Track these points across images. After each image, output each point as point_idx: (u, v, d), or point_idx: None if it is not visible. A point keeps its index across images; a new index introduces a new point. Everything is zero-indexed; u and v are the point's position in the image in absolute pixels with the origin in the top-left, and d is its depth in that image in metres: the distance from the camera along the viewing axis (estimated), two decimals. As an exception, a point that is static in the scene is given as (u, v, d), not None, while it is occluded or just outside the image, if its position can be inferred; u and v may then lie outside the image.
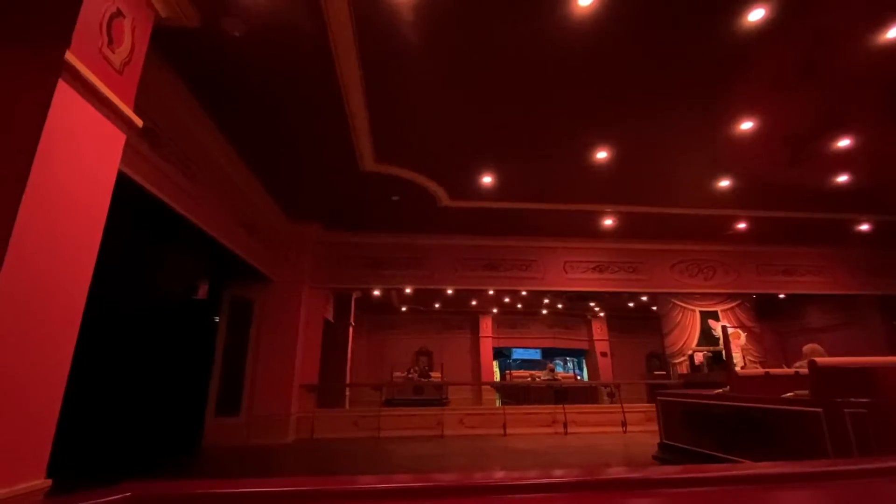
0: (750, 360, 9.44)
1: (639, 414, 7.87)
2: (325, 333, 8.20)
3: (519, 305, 14.14)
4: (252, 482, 1.06)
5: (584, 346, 15.60)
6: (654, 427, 5.55)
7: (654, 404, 5.84)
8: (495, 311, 15.02)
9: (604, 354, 14.83)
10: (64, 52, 2.17)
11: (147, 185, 3.75)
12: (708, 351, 9.67)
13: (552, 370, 10.80)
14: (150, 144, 3.82)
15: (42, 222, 2.11)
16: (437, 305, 14.01)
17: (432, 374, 13.48)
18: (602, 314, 15.09)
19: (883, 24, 3.53)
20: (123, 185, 3.19)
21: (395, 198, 6.62)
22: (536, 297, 12.57)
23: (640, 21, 3.48)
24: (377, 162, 5.64)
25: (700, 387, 5.78)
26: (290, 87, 4.22)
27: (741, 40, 3.65)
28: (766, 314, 11.27)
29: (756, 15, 3.41)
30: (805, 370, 3.47)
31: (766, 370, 4.55)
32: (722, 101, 4.49)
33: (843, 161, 5.63)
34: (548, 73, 4.05)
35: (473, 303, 13.89)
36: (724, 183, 6.26)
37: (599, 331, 15.20)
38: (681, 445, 4.71)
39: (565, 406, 7.81)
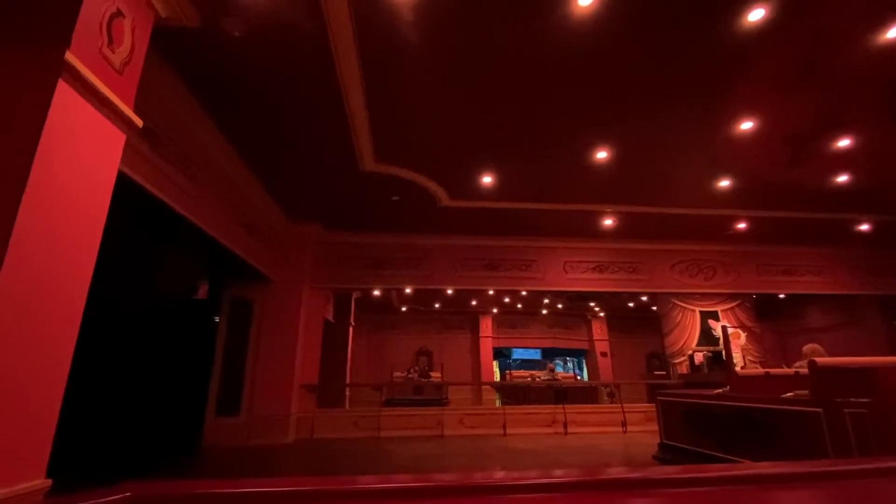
0: (750, 360, 9.44)
1: (639, 414, 7.87)
2: (326, 333, 8.20)
3: (519, 305, 14.14)
4: (252, 482, 1.06)
5: (584, 346, 15.60)
6: (654, 427, 5.55)
7: (654, 404, 5.84)
8: (495, 311, 15.02)
9: (604, 354, 14.82)
10: (64, 52, 2.17)
11: (147, 185, 3.75)
12: (708, 351, 9.67)
13: (552, 370, 10.80)
14: (150, 144, 3.82)
15: (42, 222, 2.11)
16: (437, 305, 14.01)
17: (432, 374, 13.48)
18: (602, 314, 15.09)
19: (883, 24, 3.53)
20: (123, 185, 3.19)
21: (395, 198, 6.62)
22: (536, 297, 12.57)
23: (640, 21, 3.48)
24: (377, 162, 5.64)
25: (700, 387, 5.78)
26: (290, 87, 4.22)
27: (741, 40, 3.65)
28: (766, 314, 11.28)
29: (756, 15, 3.41)
30: (805, 370, 3.47)
31: (767, 370, 4.55)
32: (722, 101, 4.49)
33: (843, 161, 5.63)
34: (548, 73, 4.05)
35: (473, 303, 13.89)
36: (725, 183, 6.26)
37: (599, 331, 15.20)
38: (681, 445, 4.71)
39: (565, 406, 7.81)
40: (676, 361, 9.93)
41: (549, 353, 15.99)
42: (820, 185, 6.29)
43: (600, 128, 4.98)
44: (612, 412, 7.93)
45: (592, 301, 13.67)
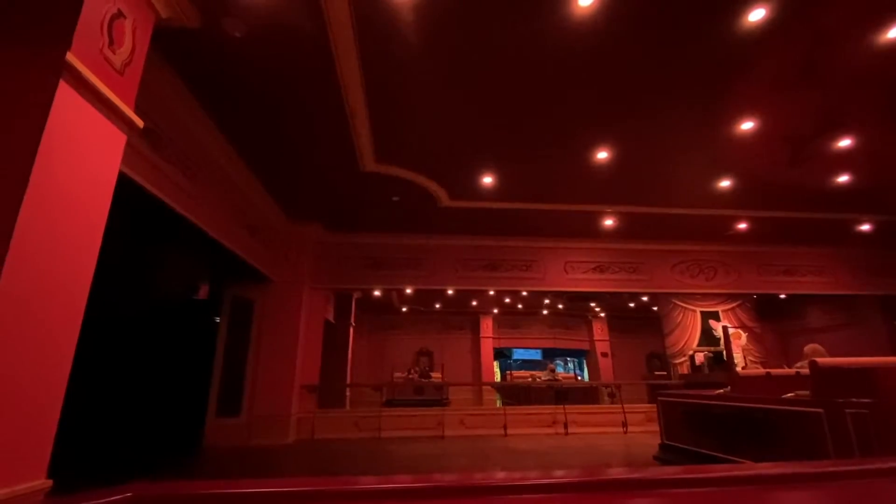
0: (751, 361, 9.43)
1: (639, 414, 7.87)
2: (326, 334, 8.21)
3: (519, 306, 14.13)
4: (253, 483, 1.06)
5: (585, 346, 15.59)
6: (655, 427, 5.54)
7: (654, 405, 5.84)
8: (496, 311, 15.02)
9: (604, 355, 14.81)
10: (65, 53, 2.17)
11: (147, 186, 3.76)
12: (709, 351, 9.65)
13: (553, 370, 10.79)
14: (150, 145, 3.83)
15: (43, 223, 2.11)
16: (437, 306, 14.00)
17: (433, 374, 13.47)
18: (603, 314, 15.08)
19: (883, 24, 3.53)
20: (124, 186, 3.20)
21: (395, 198, 6.63)
22: (537, 297, 12.56)
23: (641, 21, 3.48)
24: (377, 162, 5.65)
25: (701, 387, 5.77)
26: (290, 87, 4.23)
27: (741, 40, 3.65)
28: (767, 314, 11.26)
29: (756, 15, 3.41)
30: (806, 370, 3.46)
31: (767, 370, 4.54)
32: (722, 101, 4.49)
33: (843, 161, 5.62)
34: (548, 73, 4.05)
35: (474, 303, 13.89)
36: (725, 183, 6.26)
37: (600, 331, 15.19)
38: (682, 446, 4.70)
39: (566, 406, 7.80)
40: (677, 362, 9.91)
41: (550, 354, 15.98)
42: (820, 185, 6.29)
43: (601, 128, 4.98)
44: (612, 412, 7.93)
45: (593, 301, 13.66)
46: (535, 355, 16.34)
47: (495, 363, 15.19)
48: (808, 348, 4.66)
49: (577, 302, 13.52)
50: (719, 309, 9.85)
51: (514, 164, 5.81)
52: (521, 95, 4.38)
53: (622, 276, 8.63)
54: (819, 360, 3.32)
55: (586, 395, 9.47)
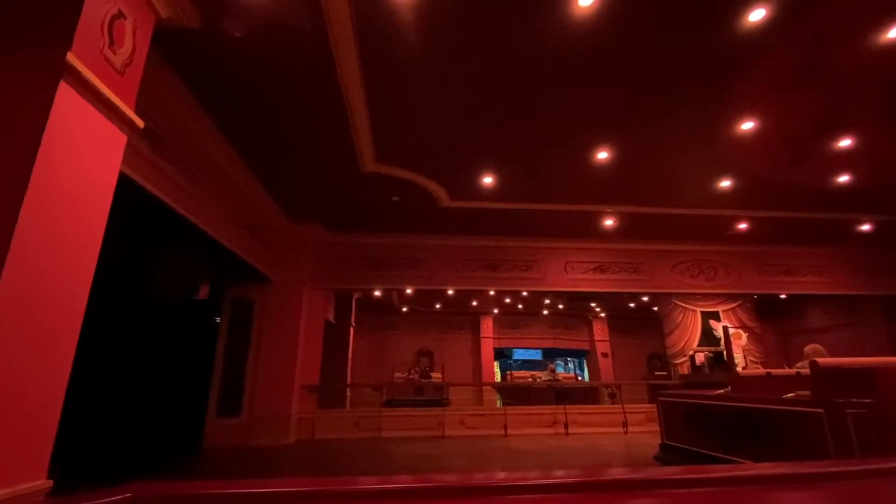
0: (751, 361, 9.42)
1: (640, 414, 7.87)
2: (326, 334, 8.20)
3: (520, 306, 14.13)
4: (253, 483, 1.06)
5: (585, 346, 15.58)
6: (656, 428, 5.54)
7: (655, 405, 5.83)
8: (496, 311, 15.01)
9: (605, 355, 14.80)
10: (65, 54, 2.18)
11: (147, 186, 3.76)
12: (709, 351, 9.65)
13: (553, 370, 10.79)
14: (150, 145, 3.83)
15: (43, 223, 2.11)
16: (437, 306, 14.00)
17: (433, 374, 13.47)
18: (603, 314, 15.07)
19: (883, 24, 3.52)
20: (124, 186, 3.20)
21: (395, 198, 6.63)
22: (537, 297, 12.56)
23: (641, 21, 3.48)
24: (377, 162, 5.65)
25: (701, 387, 5.77)
26: (290, 87, 4.23)
27: (742, 40, 3.65)
28: (767, 314, 11.25)
29: (756, 15, 3.41)
30: (806, 371, 3.46)
31: (768, 371, 4.54)
32: (722, 101, 4.49)
33: (843, 161, 5.62)
34: (548, 73, 4.05)
35: (474, 303, 13.88)
36: (725, 183, 6.26)
37: (600, 331, 15.18)
38: (682, 446, 4.70)
39: (566, 406, 7.80)
40: (677, 362, 9.91)
41: (550, 354, 15.97)
42: (821, 185, 6.28)
43: (601, 128, 4.98)
44: (613, 413, 7.92)
45: (593, 301, 13.66)
46: (536, 355, 16.34)
47: (495, 363, 15.19)
48: (808, 348, 4.66)
49: (578, 302, 13.52)
50: (720, 309, 9.84)
51: (514, 164, 5.81)
52: (522, 95, 4.38)
53: (622, 276, 8.63)
54: (819, 360, 3.32)
55: (587, 395, 9.47)
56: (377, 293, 9.71)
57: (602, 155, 5.48)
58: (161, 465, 5.06)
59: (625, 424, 7.66)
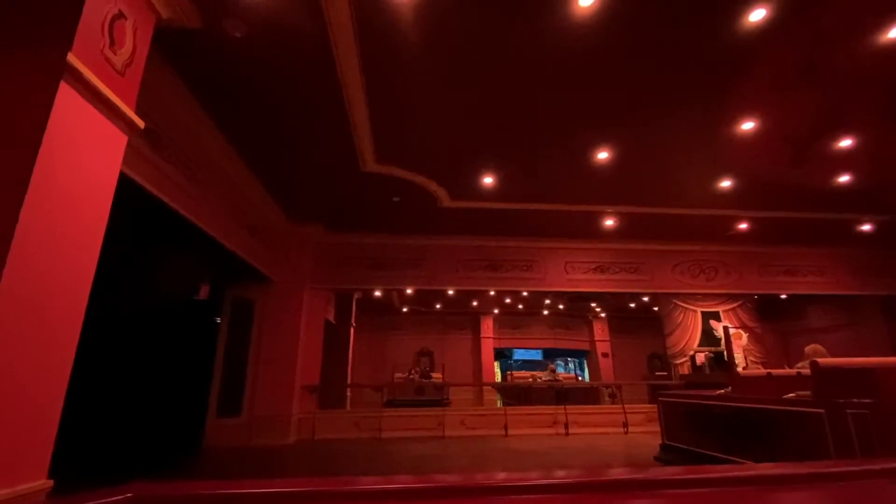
0: (752, 361, 9.41)
1: (640, 415, 7.86)
2: (327, 334, 8.21)
3: (520, 306, 14.12)
4: (253, 483, 1.06)
5: (586, 346, 15.57)
6: (656, 428, 5.54)
7: (655, 405, 5.83)
8: (496, 311, 15.00)
9: (605, 355, 14.79)
10: (66, 54, 2.18)
11: (148, 186, 3.76)
12: (710, 351, 9.64)
13: (553, 371, 10.78)
14: (150, 145, 3.83)
15: (44, 223, 2.12)
16: (438, 306, 13.99)
17: (433, 374, 13.45)
18: (603, 315, 15.07)
19: (883, 24, 3.52)
20: (124, 186, 3.20)
21: (395, 198, 6.63)
22: (537, 297, 12.55)
23: (641, 21, 3.48)
24: (378, 162, 5.65)
25: (702, 387, 5.77)
26: (290, 87, 4.23)
27: (742, 40, 3.65)
28: (767, 315, 11.24)
29: (757, 15, 3.41)
30: (807, 371, 3.46)
31: (768, 371, 4.54)
32: (723, 102, 4.49)
33: (844, 161, 5.62)
34: (548, 73, 4.05)
35: (474, 303, 13.88)
36: (726, 183, 6.25)
37: (601, 331, 15.17)
38: (682, 446, 4.70)
39: (566, 407, 7.80)
40: (678, 362, 9.90)
41: (551, 354, 15.96)
42: (821, 185, 6.28)
43: (601, 128, 4.98)
44: (613, 413, 7.92)
45: (593, 301, 13.65)
46: (536, 356, 16.33)
47: (496, 363, 15.18)
48: (809, 348, 4.66)
49: (578, 302, 13.51)
50: (720, 309, 9.83)
51: (514, 164, 5.81)
52: (522, 95, 4.38)
53: (623, 276, 8.63)
54: (820, 360, 3.32)
55: (587, 395, 9.46)
56: (377, 293, 9.71)
57: (602, 155, 5.48)
58: (161, 466, 5.06)
59: (625, 425, 7.66)
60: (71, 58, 2.19)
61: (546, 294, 11.68)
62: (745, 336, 9.64)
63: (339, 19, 3.42)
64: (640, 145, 5.31)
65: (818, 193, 6.56)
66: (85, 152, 2.37)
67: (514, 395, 10.33)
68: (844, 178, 6.07)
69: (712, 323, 9.80)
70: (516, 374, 14.28)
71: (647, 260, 8.70)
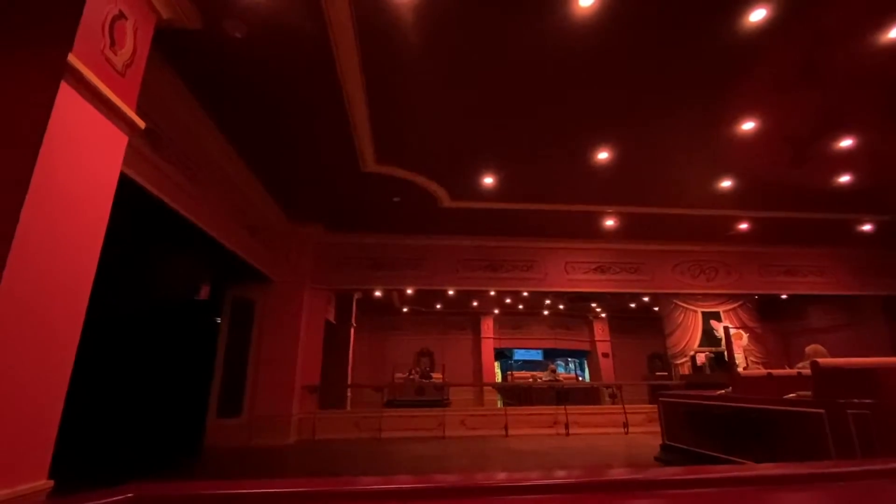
0: (752, 361, 9.40)
1: (640, 415, 7.86)
2: (327, 334, 8.21)
3: (520, 306, 14.12)
4: (254, 483, 1.06)
5: (586, 346, 15.57)
6: (656, 428, 5.53)
7: (655, 405, 5.82)
8: (497, 311, 15.00)
9: (605, 355, 14.79)
10: (66, 54, 2.18)
11: (148, 186, 3.76)
12: (710, 352, 9.63)
13: (554, 371, 10.78)
14: (150, 145, 3.83)
15: (44, 224, 2.12)
16: (438, 306, 14.00)
17: (434, 375, 13.45)
18: (604, 315, 15.06)
19: (883, 24, 3.52)
20: (124, 186, 3.20)
21: (396, 199, 6.63)
22: (538, 297, 12.55)
23: (641, 21, 3.48)
24: (378, 163, 5.65)
25: (702, 388, 5.76)
26: (290, 87, 4.23)
27: (742, 40, 3.65)
28: (768, 315, 11.23)
29: (757, 15, 3.41)
30: (808, 371, 3.46)
31: (769, 371, 4.53)
32: (723, 102, 4.49)
33: (844, 161, 5.62)
34: (548, 73, 4.05)
35: (475, 304, 13.88)
36: (726, 183, 6.25)
37: (601, 331, 15.17)
38: (683, 447, 4.69)
39: (567, 407, 7.79)
40: (678, 362, 9.89)
41: (551, 354, 15.96)
42: (822, 185, 6.28)
43: (601, 128, 4.98)
44: (613, 413, 7.92)
45: (594, 302, 13.65)
46: (536, 356, 16.33)
47: (496, 364, 15.18)
48: (809, 349, 4.65)
49: (578, 302, 13.51)
50: (720, 309, 9.83)
51: (514, 164, 5.81)
52: (522, 95, 4.38)
53: (623, 276, 8.62)
54: (820, 360, 3.32)
55: (587, 395, 9.45)
56: (378, 293, 9.71)
57: (602, 155, 5.48)
58: (162, 466, 5.06)
59: (625, 425, 7.66)
60: (71, 58, 2.19)
61: (546, 294, 11.68)
62: (745, 336, 9.63)
63: (340, 19, 3.42)
64: (640, 145, 5.31)
65: (818, 193, 6.56)
66: (85, 152, 2.37)
67: (515, 395, 10.33)
68: (845, 178, 6.07)
69: (713, 323, 9.80)
70: (517, 374, 14.28)
71: (648, 260, 8.69)
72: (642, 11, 3.38)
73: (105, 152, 2.53)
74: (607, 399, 9.66)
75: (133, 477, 1.13)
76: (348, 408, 8.75)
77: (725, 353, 8.17)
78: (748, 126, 4.85)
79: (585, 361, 16.20)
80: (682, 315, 9.91)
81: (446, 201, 6.75)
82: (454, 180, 6.23)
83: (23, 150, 2.07)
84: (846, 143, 5.19)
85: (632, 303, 13.01)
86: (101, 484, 1.00)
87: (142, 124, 2.77)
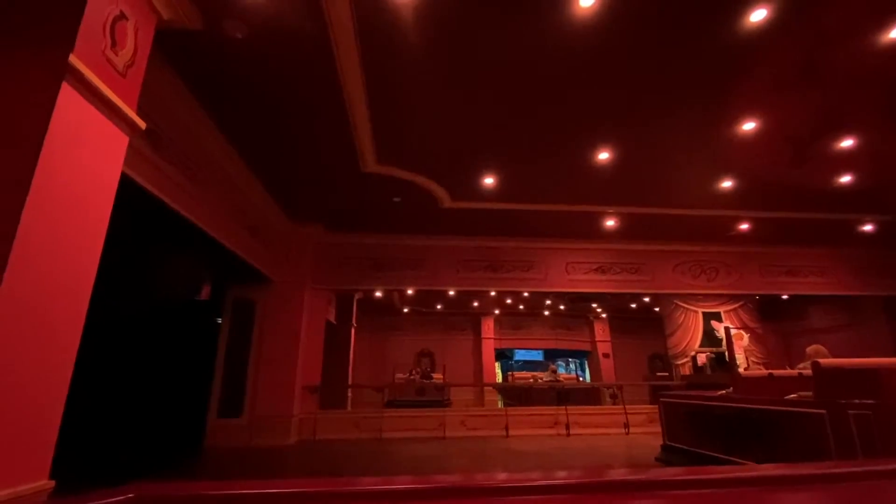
0: (753, 362, 9.40)
1: (641, 415, 7.85)
2: (327, 334, 8.21)
3: (521, 307, 14.11)
4: (254, 483, 1.06)
5: (587, 347, 15.55)
6: (657, 429, 5.53)
7: (656, 406, 5.82)
8: (497, 312, 15.00)
9: (606, 355, 14.78)
10: (67, 55, 2.18)
11: (148, 187, 3.77)
12: (711, 352, 9.63)
13: (554, 371, 10.77)
14: (151, 145, 3.84)
15: (45, 224, 2.12)
16: (438, 307, 14.00)
17: (434, 375, 13.44)
18: (604, 315, 15.05)
19: (883, 24, 3.52)
20: (125, 186, 3.20)
21: (396, 199, 6.63)
22: (538, 298, 12.55)
23: (641, 21, 3.48)
24: (378, 163, 5.65)
25: (703, 388, 5.76)
26: (291, 87, 4.24)
27: (742, 40, 3.65)
28: (769, 315, 11.23)
29: (757, 15, 3.41)
30: (809, 371, 3.45)
31: (770, 371, 4.53)
32: (723, 102, 4.49)
33: (845, 161, 5.61)
34: (548, 73, 4.06)
35: (475, 304, 13.87)
36: (727, 184, 6.25)
37: (601, 332, 15.16)
38: (683, 447, 4.69)
39: (567, 407, 7.79)
40: (679, 363, 9.89)
41: (552, 355, 15.95)
42: (823, 185, 6.27)
43: (601, 128, 4.98)
44: (614, 413, 7.91)
45: (594, 302, 13.64)
46: (537, 356, 16.32)
47: (497, 364, 15.17)
48: (810, 349, 4.65)
49: (579, 303, 13.50)
50: (721, 310, 9.83)
51: (515, 164, 5.81)
52: (522, 96, 4.38)
53: (623, 276, 8.62)
54: (822, 360, 3.31)
55: (588, 395, 9.45)
56: (378, 294, 9.71)
57: (603, 155, 5.47)
58: (162, 466, 5.07)
59: (626, 425, 7.65)
60: (73, 59, 2.19)
61: (547, 294, 11.68)
62: (746, 337, 9.63)
63: (340, 19, 3.42)
64: (640, 145, 5.31)
65: (819, 194, 6.55)
66: (86, 153, 2.37)
67: (515, 395, 10.32)
68: (845, 179, 6.06)
69: (713, 323, 9.80)
70: (517, 374, 14.26)
71: (648, 260, 8.69)
72: (642, 11, 3.38)
73: (106, 153, 2.53)
74: (608, 399, 9.65)
75: (134, 477, 1.13)
76: (349, 408, 8.75)
77: (726, 353, 8.17)
78: (748, 126, 4.85)
79: (586, 362, 16.19)
80: (683, 315, 9.91)
81: (447, 202, 6.75)
82: (454, 180, 6.23)
83: (24, 151, 2.07)
84: (847, 143, 5.19)
85: (632, 303, 13.00)
86: (103, 484, 1.00)
87: (142, 125, 2.77)
